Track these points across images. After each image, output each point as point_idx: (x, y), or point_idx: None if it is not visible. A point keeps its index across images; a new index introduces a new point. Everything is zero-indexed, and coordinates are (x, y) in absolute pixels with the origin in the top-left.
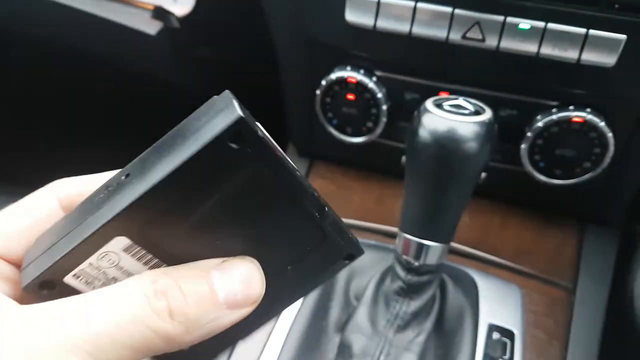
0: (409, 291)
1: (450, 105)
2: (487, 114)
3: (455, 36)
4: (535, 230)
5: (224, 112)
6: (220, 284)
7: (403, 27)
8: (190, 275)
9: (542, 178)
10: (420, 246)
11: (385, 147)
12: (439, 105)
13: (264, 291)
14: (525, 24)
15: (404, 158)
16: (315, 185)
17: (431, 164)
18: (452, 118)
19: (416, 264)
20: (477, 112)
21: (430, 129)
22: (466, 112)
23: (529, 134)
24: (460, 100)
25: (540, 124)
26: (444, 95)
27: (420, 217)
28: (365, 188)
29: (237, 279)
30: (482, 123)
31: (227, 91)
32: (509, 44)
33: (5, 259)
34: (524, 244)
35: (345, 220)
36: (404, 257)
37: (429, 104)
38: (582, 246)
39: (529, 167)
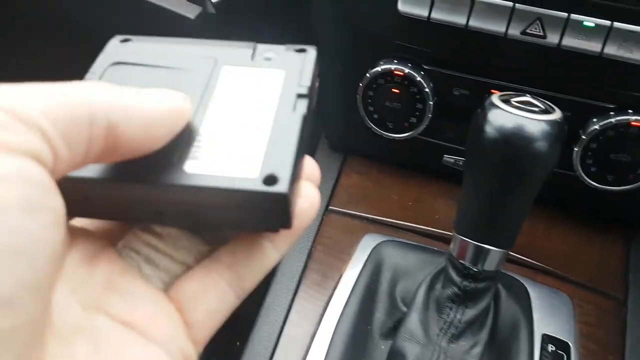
0: (464, 298)
1: (518, 102)
2: (558, 113)
3: (515, 31)
4: (581, 236)
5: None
6: None
7: (459, 20)
8: None
9: (593, 183)
10: (479, 250)
11: (427, 145)
12: (505, 101)
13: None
14: (589, 21)
15: (445, 157)
16: (351, 182)
17: (497, 163)
18: (522, 115)
19: (475, 269)
20: (546, 111)
21: (497, 126)
22: (535, 109)
23: (583, 137)
24: (528, 97)
25: (596, 127)
26: (495, 91)
27: (481, 219)
28: (403, 186)
29: None
30: (554, 122)
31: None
32: (571, 41)
33: None
34: (569, 250)
35: (383, 219)
36: (461, 261)
37: (495, 99)
38: (630, 256)
39: (579, 172)
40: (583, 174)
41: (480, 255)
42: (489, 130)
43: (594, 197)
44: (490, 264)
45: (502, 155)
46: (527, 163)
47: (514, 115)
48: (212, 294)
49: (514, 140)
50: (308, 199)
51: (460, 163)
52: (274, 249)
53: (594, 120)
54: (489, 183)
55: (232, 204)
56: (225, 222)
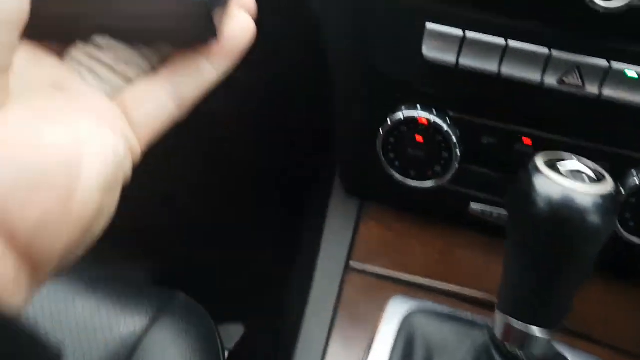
0: None
1: (566, 170)
2: (610, 182)
3: (551, 80)
4: (618, 297)
5: None
6: None
7: (490, 67)
8: None
9: (632, 238)
10: (526, 332)
11: (451, 193)
12: (551, 166)
13: None
14: (632, 70)
15: (472, 205)
16: (370, 232)
17: (548, 239)
18: (574, 188)
19: (521, 354)
20: (597, 179)
21: (545, 197)
22: (585, 178)
23: (622, 190)
24: (576, 162)
25: (636, 180)
26: (527, 140)
27: (528, 298)
28: (427, 236)
29: None
30: (609, 195)
31: None
32: (612, 92)
33: None
34: (606, 313)
35: (409, 277)
36: (506, 344)
37: (540, 164)
38: None
39: (617, 226)
40: (621, 229)
41: (526, 338)
42: (536, 201)
43: (633, 254)
44: (538, 348)
45: (552, 231)
46: (583, 240)
47: (563, 187)
48: (151, 99)
49: (565, 215)
50: (240, 22)
51: (488, 211)
52: (209, 64)
53: (633, 172)
54: (538, 260)
55: (157, 13)
56: (156, 32)
